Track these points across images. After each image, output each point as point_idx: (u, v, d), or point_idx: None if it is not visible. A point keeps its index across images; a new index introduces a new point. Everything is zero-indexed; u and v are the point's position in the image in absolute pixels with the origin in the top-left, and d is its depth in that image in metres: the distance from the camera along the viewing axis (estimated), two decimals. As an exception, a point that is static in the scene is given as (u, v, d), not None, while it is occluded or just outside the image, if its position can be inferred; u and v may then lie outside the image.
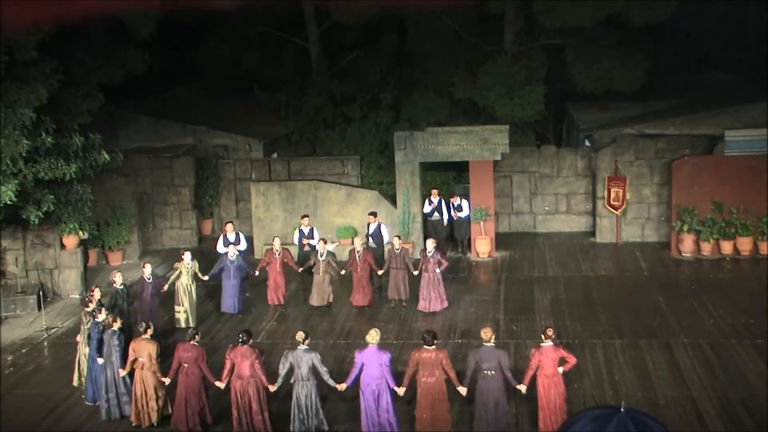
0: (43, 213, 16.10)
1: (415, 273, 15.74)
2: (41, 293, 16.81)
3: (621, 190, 19.47)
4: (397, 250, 15.92)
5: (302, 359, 10.94)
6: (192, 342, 11.40)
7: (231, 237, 16.99)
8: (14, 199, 15.12)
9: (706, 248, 18.48)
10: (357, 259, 15.83)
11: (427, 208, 19.43)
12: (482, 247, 19.17)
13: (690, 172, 18.46)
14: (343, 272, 16.04)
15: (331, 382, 11.13)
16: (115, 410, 11.99)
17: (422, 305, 15.68)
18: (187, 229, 21.55)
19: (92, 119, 17.97)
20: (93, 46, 18.73)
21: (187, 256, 15.58)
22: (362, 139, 22.90)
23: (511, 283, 17.45)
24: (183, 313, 15.42)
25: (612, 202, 19.63)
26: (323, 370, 11.03)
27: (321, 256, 15.86)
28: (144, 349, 11.55)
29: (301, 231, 17.31)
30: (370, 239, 17.36)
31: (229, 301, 15.89)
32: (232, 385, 11.08)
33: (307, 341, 11.11)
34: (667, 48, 25.82)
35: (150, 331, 11.82)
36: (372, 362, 10.76)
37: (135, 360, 11.62)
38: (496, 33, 24.29)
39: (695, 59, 27.23)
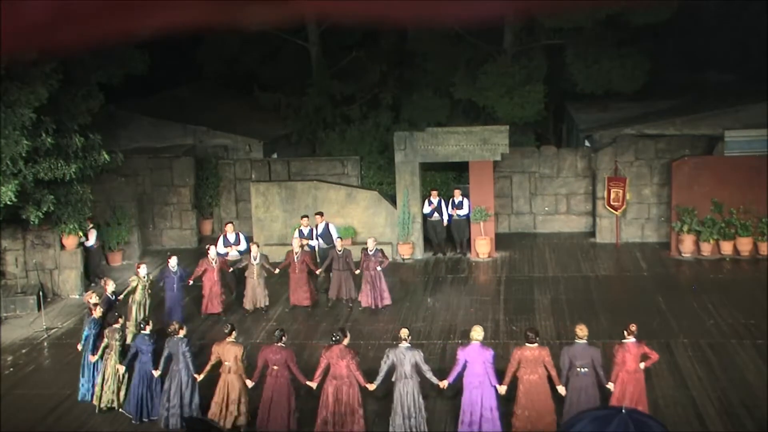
0: (43, 213, 16.08)
1: (357, 272, 15.91)
2: (41, 293, 16.80)
3: (621, 191, 19.47)
4: (339, 251, 16.00)
5: (405, 357, 10.87)
6: (280, 344, 11.26)
7: (231, 237, 16.99)
8: (14, 199, 15.11)
9: (706, 248, 18.48)
10: (295, 260, 15.84)
11: (427, 209, 19.43)
12: (482, 247, 19.16)
13: (690, 172, 18.45)
14: (277, 271, 16.01)
15: (434, 379, 11.06)
16: (175, 421, 11.53)
17: (364, 301, 15.84)
18: (186, 229, 21.55)
19: (92, 119, 17.96)
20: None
21: (142, 269, 14.78)
22: (362, 139, 22.90)
23: (511, 284, 17.45)
24: (132, 328, 14.14)
25: (612, 203, 19.63)
26: (425, 368, 10.98)
27: (254, 260, 15.77)
28: (230, 352, 11.32)
29: (300, 231, 17.30)
30: (320, 239, 17.34)
31: (170, 315, 14.81)
32: (324, 386, 10.97)
33: (409, 338, 11.11)
34: (667, 48, 25.81)
35: (235, 334, 11.63)
36: (476, 359, 10.74)
37: (219, 363, 11.39)
38: (496, 33, 24.30)
39: (695, 59, 27.21)
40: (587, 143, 22.42)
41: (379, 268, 15.76)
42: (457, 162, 19.37)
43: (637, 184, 19.77)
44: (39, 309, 16.53)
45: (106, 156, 17.25)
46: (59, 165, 16.06)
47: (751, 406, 11.51)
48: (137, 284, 14.57)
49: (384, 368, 10.99)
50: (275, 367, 11.13)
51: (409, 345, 11.02)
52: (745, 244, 18.35)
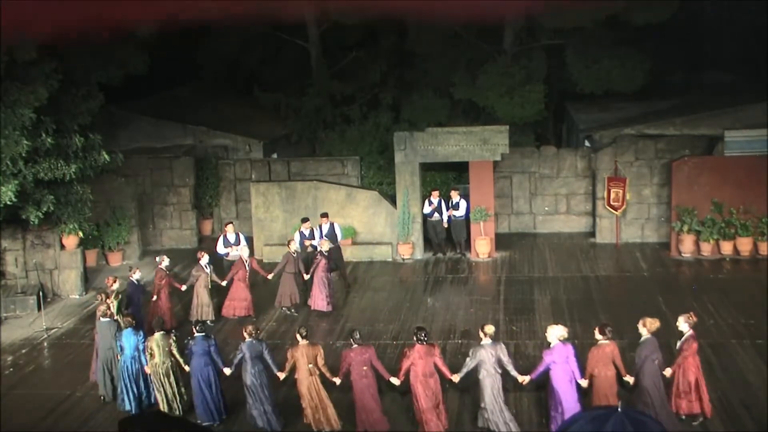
0: (43, 213, 16.11)
1: (306, 277, 15.85)
2: (41, 294, 16.82)
3: (621, 191, 19.47)
4: (294, 254, 15.91)
5: (490, 352, 10.89)
6: (361, 344, 11.20)
7: (231, 238, 17.01)
8: (14, 199, 15.12)
9: (706, 249, 18.48)
10: (245, 267, 15.72)
11: (427, 209, 19.43)
12: (482, 247, 19.17)
13: (690, 172, 18.46)
14: (224, 283, 15.81)
15: (515, 373, 11.09)
16: (273, 421, 11.45)
17: (318, 305, 15.80)
18: (186, 229, 21.57)
19: (92, 119, 17.96)
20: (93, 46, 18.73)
21: (116, 284, 14.10)
22: (362, 139, 22.91)
23: (511, 284, 17.45)
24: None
25: (612, 203, 19.63)
26: (507, 360, 10.99)
27: (205, 268, 15.57)
28: (309, 354, 11.19)
29: (301, 233, 17.32)
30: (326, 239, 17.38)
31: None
32: (414, 386, 10.92)
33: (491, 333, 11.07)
34: (667, 48, 25.79)
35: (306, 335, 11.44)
36: (561, 358, 10.80)
37: (294, 367, 11.27)
38: (496, 33, 24.30)
39: (695, 59, 27.20)
40: (587, 143, 22.42)
41: (329, 272, 15.79)
42: (457, 162, 19.37)
43: (637, 184, 19.77)
44: (39, 309, 16.55)
45: (106, 156, 17.26)
46: (59, 165, 16.07)
47: (751, 406, 11.52)
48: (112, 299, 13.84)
49: (470, 364, 11.01)
50: (365, 368, 11.07)
51: (491, 341, 11.00)
52: (745, 244, 18.34)
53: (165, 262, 15.36)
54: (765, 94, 20.20)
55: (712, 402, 11.56)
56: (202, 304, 15.53)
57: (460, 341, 14.33)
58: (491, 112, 23.07)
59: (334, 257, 16.72)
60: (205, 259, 15.60)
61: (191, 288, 15.62)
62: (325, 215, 17.73)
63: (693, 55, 27.15)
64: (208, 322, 15.43)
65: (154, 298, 15.09)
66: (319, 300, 15.78)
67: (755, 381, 12.29)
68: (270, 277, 16.04)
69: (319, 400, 11.22)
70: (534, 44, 24.19)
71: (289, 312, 15.98)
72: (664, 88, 24.96)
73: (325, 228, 17.46)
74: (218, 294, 16.03)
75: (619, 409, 7.70)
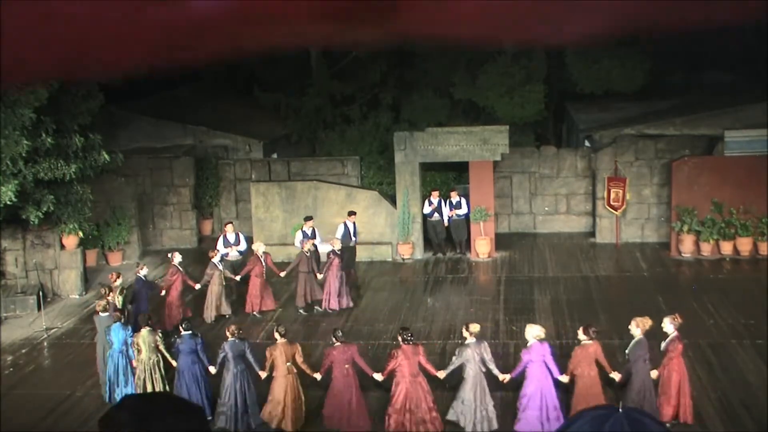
0: (43, 213, 16.10)
1: (320, 276, 15.88)
2: (41, 293, 16.81)
3: (621, 191, 19.47)
4: (307, 253, 15.95)
5: (475, 351, 10.94)
6: (344, 343, 11.23)
7: (231, 238, 17.00)
8: (14, 199, 15.11)
9: (706, 249, 18.48)
10: (261, 262, 15.79)
11: (427, 209, 19.43)
12: (482, 247, 19.17)
13: (690, 172, 18.46)
14: (238, 278, 15.96)
15: (496, 372, 11.16)
16: (241, 422, 11.41)
17: (336, 303, 15.87)
18: (186, 229, 21.57)
19: (92, 120, 17.94)
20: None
21: (118, 280, 14.23)
22: (362, 139, 22.91)
23: (510, 284, 17.45)
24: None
25: (612, 203, 19.63)
26: (489, 359, 11.05)
27: (219, 266, 15.67)
28: (287, 353, 11.24)
29: (304, 233, 17.32)
30: (354, 239, 17.41)
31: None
32: (398, 385, 10.91)
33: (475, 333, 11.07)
34: (667, 48, 25.78)
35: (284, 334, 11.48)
36: (538, 357, 10.84)
37: (272, 365, 11.29)
38: (496, 33, 24.26)
39: (695, 59, 27.17)
40: (587, 143, 22.41)
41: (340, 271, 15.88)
42: (457, 162, 19.37)
43: (637, 184, 19.77)
44: (39, 309, 16.54)
45: (106, 156, 17.25)
46: (59, 165, 16.06)
47: (751, 406, 11.51)
48: (114, 297, 13.79)
49: (456, 362, 11.10)
50: (347, 366, 11.10)
51: (475, 340, 11.04)
52: (745, 244, 18.35)
53: (177, 258, 15.42)
54: (765, 94, 20.17)
55: (711, 402, 11.59)
56: (217, 303, 15.67)
57: (460, 341, 14.28)
58: (491, 112, 23.06)
59: (347, 257, 16.72)
60: (217, 257, 15.77)
61: (205, 286, 15.70)
62: (353, 213, 17.79)
63: (693, 55, 27.11)
64: (209, 320, 15.56)
65: (163, 293, 15.19)
66: (332, 299, 15.86)
67: (755, 381, 12.28)
68: (282, 274, 16.13)
69: (291, 400, 11.18)
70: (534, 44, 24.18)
71: (306, 312, 16.01)
72: (664, 88, 24.94)
73: (351, 226, 17.56)
74: (233, 292, 16.23)
75: (620, 410, 7.71)
